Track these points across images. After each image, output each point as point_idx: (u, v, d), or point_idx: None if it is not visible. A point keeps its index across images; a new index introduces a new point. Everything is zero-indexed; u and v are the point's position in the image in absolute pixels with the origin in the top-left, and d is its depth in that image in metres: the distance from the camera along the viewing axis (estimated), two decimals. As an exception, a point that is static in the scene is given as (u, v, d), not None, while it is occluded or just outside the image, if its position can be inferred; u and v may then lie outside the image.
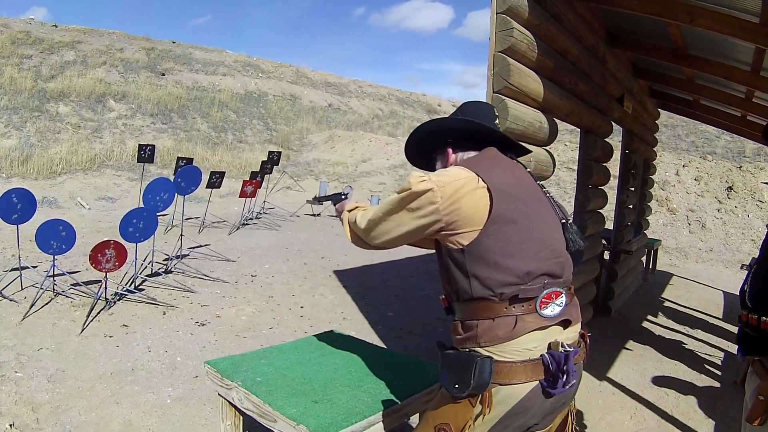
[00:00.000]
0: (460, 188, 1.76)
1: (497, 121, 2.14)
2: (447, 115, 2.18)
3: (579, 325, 1.94)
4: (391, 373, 2.78)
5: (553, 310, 1.79)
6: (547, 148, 4.35)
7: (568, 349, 1.74)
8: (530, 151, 2.19)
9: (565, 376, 1.72)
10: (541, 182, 2.01)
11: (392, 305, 7.08)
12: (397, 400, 2.46)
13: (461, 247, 1.79)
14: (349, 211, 2.26)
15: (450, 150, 2.08)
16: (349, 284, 7.89)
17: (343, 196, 2.47)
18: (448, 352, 1.85)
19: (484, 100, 2.32)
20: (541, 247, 1.80)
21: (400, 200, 1.84)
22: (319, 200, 2.90)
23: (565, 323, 1.85)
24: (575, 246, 1.90)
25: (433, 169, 2.14)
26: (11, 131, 15.27)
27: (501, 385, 1.73)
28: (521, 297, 1.75)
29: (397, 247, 2.03)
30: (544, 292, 1.77)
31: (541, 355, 1.75)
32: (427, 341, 5.73)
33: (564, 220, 1.93)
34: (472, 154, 2.03)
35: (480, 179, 1.78)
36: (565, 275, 1.87)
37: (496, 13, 3.45)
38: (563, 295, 1.82)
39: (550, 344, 1.77)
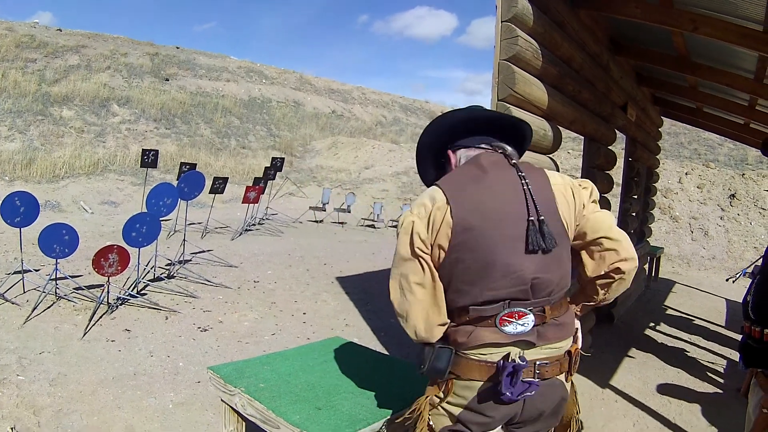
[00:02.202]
0: (434, 216, 1.81)
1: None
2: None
3: (559, 344, 1.89)
4: (394, 379, 2.78)
5: (515, 328, 1.79)
6: (551, 155, 4.35)
7: (520, 362, 1.75)
8: (530, 129, 2.13)
9: (499, 386, 1.74)
10: (523, 173, 1.87)
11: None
12: (400, 408, 2.45)
13: (436, 267, 1.86)
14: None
15: (450, 152, 2.04)
16: (351, 291, 7.89)
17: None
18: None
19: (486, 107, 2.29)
20: (503, 274, 1.78)
21: (398, 245, 1.89)
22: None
23: (527, 344, 1.82)
24: (533, 247, 1.78)
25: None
26: (15, 134, 15.29)
27: (458, 377, 1.84)
28: (474, 317, 1.81)
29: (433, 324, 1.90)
30: (504, 311, 1.79)
31: (498, 360, 1.78)
32: (429, 348, 5.70)
33: (531, 218, 1.80)
34: (471, 152, 1.99)
35: (449, 206, 1.79)
36: (534, 298, 1.82)
37: (502, 21, 3.45)
38: (529, 315, 1.80)
39: (508, 354, 1.79)
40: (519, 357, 1.78)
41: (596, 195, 2.01)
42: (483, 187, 1.84)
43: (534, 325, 1.81)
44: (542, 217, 1.79)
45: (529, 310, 1.80)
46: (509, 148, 2.00)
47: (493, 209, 1.81)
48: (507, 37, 3.45)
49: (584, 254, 1.96)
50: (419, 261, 1.83)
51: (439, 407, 1.90)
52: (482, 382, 1.80)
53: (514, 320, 1.79)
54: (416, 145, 2.15)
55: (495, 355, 1.79)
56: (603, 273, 1.91)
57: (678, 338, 6.83)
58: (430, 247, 1.82)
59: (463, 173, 1.92)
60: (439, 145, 2.09)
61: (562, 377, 1.91)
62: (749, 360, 2.73)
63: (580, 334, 2.04)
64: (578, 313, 2.10)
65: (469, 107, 2.07)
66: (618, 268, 1.89)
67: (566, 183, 1.96)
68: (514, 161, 1.93)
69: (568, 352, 1.93)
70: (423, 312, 1.86)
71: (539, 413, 1.88)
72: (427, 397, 1.92)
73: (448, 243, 1.78)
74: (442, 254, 1.80)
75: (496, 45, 3.50)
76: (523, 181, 1.84)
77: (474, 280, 1.78)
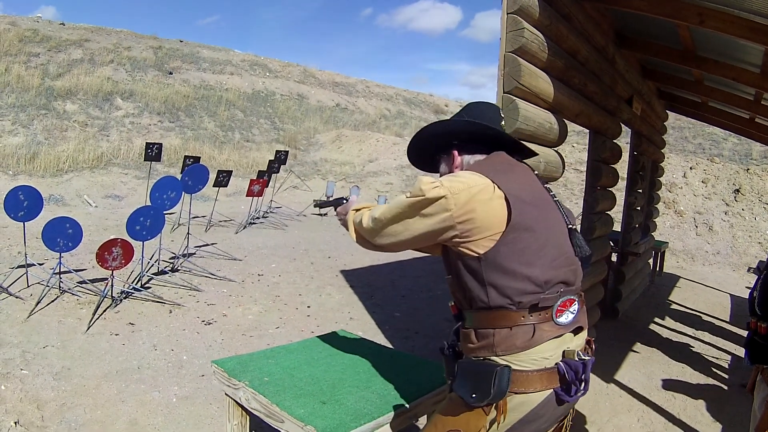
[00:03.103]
0: (475, 195, 1.71)
1: (503, 123, 2.07)
2: (451, 117, 2.15)
3: (587, 331, 1.94)
4: (399, 374, 2.77)
5: (567, 317, 1.78)
6: (556, 149, 4.33)
7: (584, 357, 1.75)
8: (537, 154, 2.15)
9: (583, 384, 1.74)
10: (548, 186, 1.97)
11: (399, 305, 7.07)
12: (405, 402, 2.45)
13: (477, 255, 1.74)
14: (355, 210, 2.17)
15: (456, 152, 2.03)
16: (355, 284, 7.88)
17: (344, 200, 2.45)
18: (464, 361, 1.83)
19: (491, 101, 2.27)
20: (557, 254, 1.78)
21: (411, 205, 1.77)
22: (320, 205, 2.78)
23: (577, 330, 1.85)
24: (582, 252, 1.86)
25: (436, 171, 2.13)
26: (18, 129, 15.28)
27: (516, 393, 1.72)
28: (540, 306, 1.73)
29: (403, 250, 1.97)
30: (560, 300, 1.76)
31: (556, 364, 1.74)
32: (434, 342, 5.71)
33: (571, 226, 1.88)
34: (479, 157, 1.98)
35: (496, 186, 1.73)
36: (577, 282, 1.86)
37: (507, 13, 3.43)
38: (576, 302, 1.81)
39: (564, 352, 1.76)
40: (581, 353, 1.77)
41: None
42: (513, 173, 1.87)
43: (578, 312, 1.82)
44: (574, 225, 1.88)
45: (575, 295, 1.82)
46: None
47: (534, 189, 1.85)
48: (513, 29, 3.43)
49: None
50: (430, 231, 1.78)
51: (488, 430, 1.77)
52: (542, 391, 1.74)
53: (566, 309, 1.78)
54: (423, 129, 2.13)
55: (552, 357, 1.75)
56: None
57: (682, 333, 6.81)
58: (460, 228, 1.73)
59: (490, 164, 1.91)
60: (444, 141, 2.07)
61: None
62: (755, 356, 2.72)
63: None
64: None
65: (484, 125, 1.97)
66: None
67: None
68: (517, 157, 2.00)
69: (588, 341, 1.95)
70: (399, 243, 1.89)
71: (572, 407, 1.91)
72: (480, 426, 1.76)
73: (506, 221, 1.71)
74: (497, 234, 1.71)
75: (501, 37, 3.48)
76: (545, 185, 1.95)
77: (533, 260, 1.72)
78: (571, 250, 1.84)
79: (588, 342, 1.95)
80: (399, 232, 1.85)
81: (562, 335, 1.78)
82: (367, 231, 1.97)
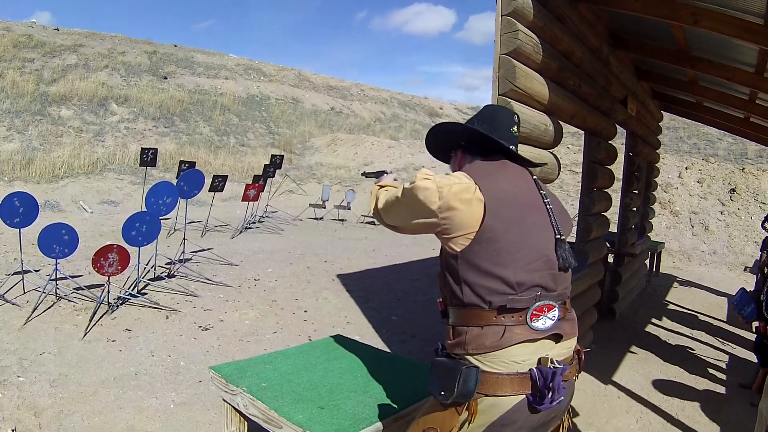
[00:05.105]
0: (457, 193, 1.76)
1: (514, 129, 2.10)
2: (455, 119, 2.19)
3: (573, 340, 1.92)
4: (397, 378, 2.77)
5: (544, 323, 1.78)
6: (551, 150, 4.33)
7: (557, 365, 1.73)
8: (535, 164, 2.16)
9: (551, 393, 1.71)
10: (544, 192, 1.97)
11: (396, 309, 7.06)
12: (403, 406, 2.44)
13: (455, 252, 1.80)
14: (380, 186, 2.33)
15: (460, 152, 2.10)
16: (352, 288, 7.88)
17: (385, 173, 2.60)
18: (437, 359, 1.86)
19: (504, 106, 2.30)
20: (535, 257, 1.79)
21: (405, 192, 1.86)
22: (365, 174, 3.10)
23: (557, 337, 1.83)
24: (565, 264, 1.86)
25: (448, 164, 2.22)
26: (13, 135, 15.27)
27: (487, 395, 1.73)
28: (510, 307, 1.74)
29: (410, 234, 2.04)
30: (536, 304, 1.76)
31: (529, 370, 1.74)
32: (430, 345, 5.69)
33: (559, 236, 1.88)
34: (478, 159, 2.02)
35: (477, 188, 1.78)
36: (559, 289, 1.86)
37: (502, 15, 3.43)
38: (556, 309, 1.81)
39: (540, 359, 1.76)
40: (555, 361, 1.75)
41: None
42: (504, 177, 1.90)
43: (558, 319, 1.81)
44: (550, 205, 1.91)
45: (556, 302, 1.81)
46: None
47: (522, 192, 1.88)
48: (507, 31, 3.44)
49: None
50: (420, 221, 1.85)
51: (459, 430, 1.78)
52: (514, 396, 1.73)
53: (543, 314, 1.78)
54: (437, 126, 2.22)
55: (526, 362, 1.75)
56: None
57: (680, 333, 6.82)
58: (443, 223, 1.80)
59: (481, 167, 1.95)
60: (452, 141, 2.16)
61: (574, 378, 1.93)
62: (765, 360, 2.73)
63: None
64: None
65: (483, 133, 2.02)
66: None
67: None
68: (529, 169, 2.04)
69: (577, 351, 1.94)
70: (403, 225, 1.99)
71: (556, 414, 1.88)
72: (453, 426, 1.78)
73: (481, 221, 1.75)
74: (473, 233, 1.76)
75: (496, 39, 3.48)
76: (533, 177, 1.98)
77: (507, 261, 1.75)
78: (554, 256, 1.84)
79: (578, 352, 1.95)
80: (401, 216, 1.96)
81: (537, 340, 1.78)
82: (380, 208, 2.09)
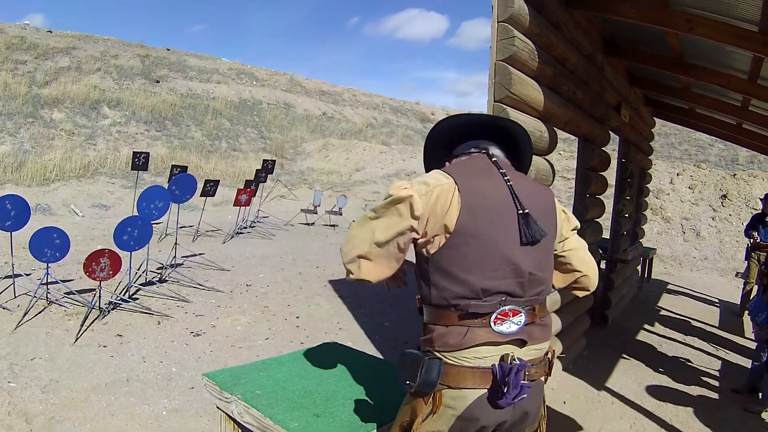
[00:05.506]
0: (438, 196, 1.77)
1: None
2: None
3: (544, 344, 1.93)
4: (391, 384, 2.75)
5: (509, 327, 1.78)
6: (546, 157, 4.34)
7: (520, 363, 1.75)
8: (522, 130, 2.13)
9: (506, 388, 1.71)
10: (521, 195, 1.88)
11: (388, 315, 7.05)
12: (398, 412, 2.43)
13: (427, 255, 1.82)
14: None
15: (448, 164, 2.08)
16: (344, 294, 7.85)
17: None
18: (406, 351, 1.87)
19: (484, 111, 2.29)
20: (501, 265, 1.78)
21: (380, 207, 1.83)
22: None
23: (521, 342, 1.83)
24: (533, 237, 1.81)
25: None
26: (5, 137, 15.19)
27: (450, 387, 1.77)
28: (472, 312, 1.76)
29: (376, 267, 1.90)
30: (500, 309, 1.77)
31: (492, 365, 1.75)
32: (424, 351, 5.68)
33: (521, 211, 1.82)
34: (463, 159, 2.03)
35: (456, 188, 1.78)
36: (527, 295, 1.84)
37: (498, 22, 3.44)
38: (522, 314, 1.80)
39: (502, 356, 1.77)
40: (516, 358, 1.76)
41: (577, 224, 2.19)
42: (481, 179, 1.88)
43: (525, 324, 1.81)
44: (527, 210, 1.83)
45: (522, 307, 1.81)
46: (496, 150, 2.04)
47: (492, 199, 1.84)
48: (503, 37, 3.44)
49: (555, 270, 2.10)
50: (394, 232, 1.80)
51: (427, 422, 1.82)
52: (475, 389, 1.76)
53: (508, 318, 1.78)
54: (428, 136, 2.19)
55: (489, 358, 1.76)
56: (567, 286, 2.18)
57: (672, 339, 6.84)
58: (422, 228, 1.78)
59: (461, 167, 1.95)
60: (440, 152, 2.15)
61: (542, 378, 1.94)
62: None
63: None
64: None
65: (467, 114, 2.06)
66: (585, 287, 2.18)
67: (560, 205, 2.10)
68: (494, 159, 1.97)
69: (548, 353, 1.96)
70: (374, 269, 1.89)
71: (525, 415, 1.88)
72: (419, 415, 1.83)
73: (455, 224, 1.75)
74: (445, 237, 1.77)
75: (492, 46, 3.48)
76: (505, 177, 1.89)
77: (472, 267, 1.75)
78: (524, 264, 1.81)
79: (548, 353, 1.96)
80: (374, 236, 1.85)
81: (500, 344, 1.79)
82: (345, 247, 1.97)
